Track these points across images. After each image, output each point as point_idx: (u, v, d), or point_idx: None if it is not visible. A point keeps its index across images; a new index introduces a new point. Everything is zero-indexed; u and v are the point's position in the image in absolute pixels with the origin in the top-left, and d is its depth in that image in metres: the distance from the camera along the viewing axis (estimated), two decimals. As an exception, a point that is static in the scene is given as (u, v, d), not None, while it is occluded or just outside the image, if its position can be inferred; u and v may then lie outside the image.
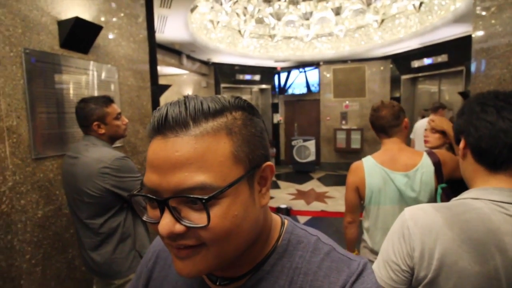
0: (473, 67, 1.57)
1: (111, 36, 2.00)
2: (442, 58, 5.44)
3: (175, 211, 0.33)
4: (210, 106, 0.35)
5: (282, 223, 0.45)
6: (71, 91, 1.70)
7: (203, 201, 0.31)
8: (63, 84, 1.65)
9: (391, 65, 6.76)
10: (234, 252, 0.36)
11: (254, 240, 0.40)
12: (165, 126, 0.34)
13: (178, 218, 0.33)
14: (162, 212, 0.33)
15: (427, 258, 0.63)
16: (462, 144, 0.72)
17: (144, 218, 0.37)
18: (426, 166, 1.31)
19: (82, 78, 1.78)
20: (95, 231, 1.28)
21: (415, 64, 6.05)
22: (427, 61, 5.80)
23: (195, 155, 0.32)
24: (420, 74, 6.20)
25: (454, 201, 0.70)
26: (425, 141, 1.81)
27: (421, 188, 1.29)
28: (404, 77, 6.46)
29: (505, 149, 0.63)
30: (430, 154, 1.34)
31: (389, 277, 0.69)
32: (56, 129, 1.60)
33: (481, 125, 0.66)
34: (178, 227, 0.33)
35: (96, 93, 1.86)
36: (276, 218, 0.46)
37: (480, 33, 1.54)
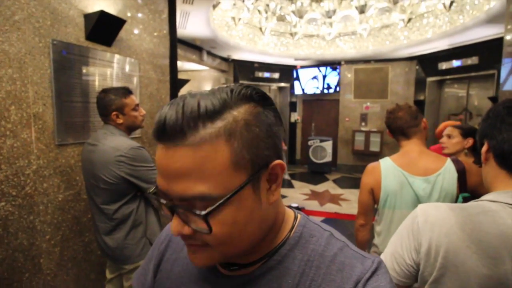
0: (503, 70, 1.47)
1: (134, 30, 2.06)
2: (472, 60, 5.14)
3: (183, 215, 0.35)
4: (208, 107, 0.33)
5: (295, 217, 0.45)
6: (95, 82, 1.78)
7: (202, 215, 0.32)
8: (87, 74, 1.72)
9: (416, 67, 6.48)
10: (239, 250, 0.37)
11: (263, 235, 0.40)
12: (163, 135, 0.33)
13: (185, 222, 0.35)
14: (172, 213, 0.36)
15: (433, 255, 0.62)
16: (485, 148, 0.70)
17: (163, 213, 0.39)
18: (449, 172, 1.24)
19: (105, 70, 1.85)
20: (109, 216, 1.34)
21: (443, 66, 5.76)
22: (456, 63, 5.50)
23: (194, 166, 0.32)
24: (447, 77, 5.90)
25: (472, 202, 0.68)
26: (443, 148, 1.73)
27: (441, 195, 1.23)
28: (430, 79, 6.17)
29: None
30: (455, 161, 1.27)
31: (393, 268, 0.69)
32: (79, 118, 1.68)
33: (505, 128, 0.65)
34: (186, 230, 0.35)
35: (117, 85, 1.93)
36: (289, 211, 0.46)
37: (514, 33, 1.44)
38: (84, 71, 1.71)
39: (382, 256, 0.73)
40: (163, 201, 0.35)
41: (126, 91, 1.42)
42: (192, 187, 0.32)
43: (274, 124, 0.37)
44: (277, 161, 0.37)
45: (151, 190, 0.38)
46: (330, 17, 5.43)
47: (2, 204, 1.31)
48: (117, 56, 1.92)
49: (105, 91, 1.40)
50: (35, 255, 1.46)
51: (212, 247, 0.36)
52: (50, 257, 1.53)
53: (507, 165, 0.65)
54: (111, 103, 1.37)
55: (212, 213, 0.32)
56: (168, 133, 0.32)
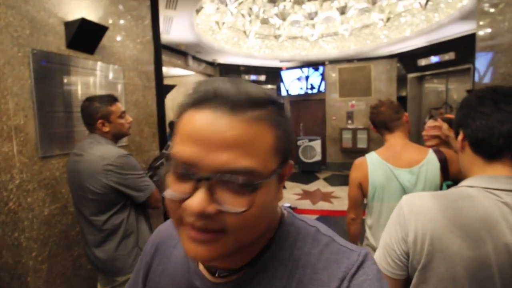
0: (477, 64, 1.55)
1: (117, 37, 2.03)
2: (449, 56, 5.36)
3: (215, 189, 0.32)
4: (258, 93, 0.34)
5: (282, 215, 0.45)
6: (78, 91, 1.73)
7: (254, 185, 0.32)
8: (69, 83, 1.68)
9: (397, 64, 6.69)
10: (250, 240, 0.36)
11: (265, 231, 0.39)
12: (217, 100, 0.32)
13: (213, 199, 0.32)
14: (195, 189, 0.32)
15: (420, 243, 0.64)
16: (460, 137, 0.74)
17: (166, 194, 0.34)
18: (431, 162, 1.29)
19: (88, 78, 1.81)
20: (98, 227, 1.30)
21: (422, 62, 5.97)
22: (434, 59, 5.71)
23: (246, 139, 0.32)
24: (427, 73, 6.11)
25: (452, 188, 0.71)
26: (425, 140, 1.80)
27: (426, 185, 1.27)
28: (410, 75, 6.38)
29: (500, 139, 0.65)
30: (437, 151, 1.32)
31: (387, 262, 0.71)
32: (62, 128, 1.63)
33: (478, 117, 0.68)
34: (211, 208, 0.31)
35: (101, 93, 1.88)
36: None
37: (484, 30, 1.51)
38: (66, 80, 1.66)
39: (377, 253, 0.75)
40: (191, 173, 0.32)
41: (111, 99, 1.39)
42: (241, 160, 0.31)
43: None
44: (291, 162, 0.39)
45: (166, 151, 0.35)
46: (312, 19, 5.52)
47: (-16, 221, 1.26)
48: (100, 64, 1.88)
49: (89, 99, 1.37)
50: (22, 274, 1.40)
51: (229, 234, 0.33)
52: (37, 274, 1.47)
53: (482, 152, 0.69)
54: (96, 111, 1.34)
55: (256, 189, 0.32)
56: (224, 100, 0.32)
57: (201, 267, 0.44)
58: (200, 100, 0.34)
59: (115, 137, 1.43)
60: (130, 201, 1.36)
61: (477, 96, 0.71)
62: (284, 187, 5.53)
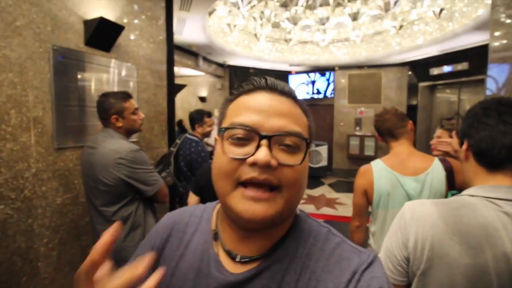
0: (489, 75, 1.54)
1: (132, 36, 2.10)
2: (463, 66, 5.29)
3: (271, 148, 0.40)
4: (294, 91, 0.46)
5: (296, 213, 0.49)
6: (93, 87, 1.80)
7: (308, 141, 0.42)
8: (86, 79, 1.75)
9: (408, 72, 6.63)
10: (295, 202, 0.43)
11: (295, 210, 0.47)
12: (273, 87, 0.44)
13: (272, 156, 0.39)
14: (258, 148, 0.39)
15: (420, 249, 0.66)
16: (464, 146, 0.75)
17: (229, 155, 0.41)
18: (437, 171, 1.29)
19: (104, 75, 1.88)
20: (108, 218, 1.35)
21: (434, 71, 5.91)
22: (446, 68, 5.65)
23: (295, 112, 0.44)
24: (439, 82, 6.04)
25: (453, 197, 0.72)
26: (432, 149, 1.80)
27: (431, 193, 1.27)
28: (422, 84, 6.32)
29: (503, 150, 0.66)
30: (442, 160, 1.32)
31: (387, 267, 0.72)
32: (77, 122, 1.69)
33: (482, 127, 0.69)
34: (274, 161, 0.39)
35: (115, 89, 1.95)
36: None
37: (499, 41, 1.51)
38: (83, 76, 1.73)
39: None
40: (256, 131, 0.40)
41: (125, 95, 1.45)
42: (293, 125, 0.42)
43: None
44: (310, 151, 0.47)
45: (231, 126, 0.42)
46: (323, 24, 5.54)
47: (1, 207, 1.32)
48: (115, 61, 1.95)
49: (105, 95, 1.43)
50: (33, 259, 1.46)
51: (282, 192, 0.40)
52: (47, 260, 1.53)
53: (484, 162, 0.69)
54: (111, 106, 1.40)
55: (307, 145, 0.42)
56: (278, 88, 0.44)
57: (221, 256, 0.46)
58: (254, 88, 0.45)
59: (128, 132, 1.48)
60: (139, 195, 1.41)
61: (482, 107, 0.72)
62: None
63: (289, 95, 0.45)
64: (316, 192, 5.96)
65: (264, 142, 0.39)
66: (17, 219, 1.38)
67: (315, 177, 7.17)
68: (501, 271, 0.59)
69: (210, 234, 0.49)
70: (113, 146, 1.34)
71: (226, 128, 0.42)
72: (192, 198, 1.79)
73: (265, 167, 0.38)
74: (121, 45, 2.00)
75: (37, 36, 1.46)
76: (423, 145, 5.72)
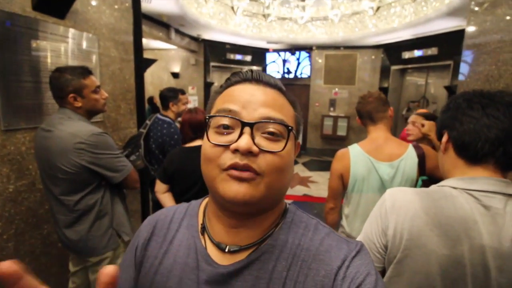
0: (462, 62, 1.58)
1: (92, 1, 1.85)
2: (432, 51, 5.49)
3: (253, 136, 0.41)
4: (279, 81, 0.48)
5: (286, 205, 0.51)
6: (47, 59, 1.58)
7: (289, 127, 0.43)
8: (37, 51, 1.52)
9: (382, 55, 6.76)
10: (278, 190, 0.43)
11: (280, 200, 0.47)
12: (259, 78, 0.46)
13: (254, 143, 0.40)
14: (240, 135, 0.40)
15: (399, 237, 0.66)
16: (445, 138, 0.74)
17: (213, 142, 0.42)
18: (410, 157, 1.33)
19: (59, 46, 1.65)
20: (70, 208, 1.24)
21: (406, 55, 6.08)
22: (417, 53, 5.83)
23: (279, 102, 0.45)
24: (409, 66, 6.25)
25: (435, 187, 0.72)
26: (407, 135, 1.85)
27: (403, 179, 1.32)
28: (394, 67, 6.50)
29: (486, 143, 0.65)
30: (416, 146, 1.36)
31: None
32: (29, 100, 1.49)
33: (466, 120, 0.68)
34: (255, 148, 0.40)
35: (74, 63, 1.74)
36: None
37: (472, 28, 1.53)
38: (33, 46, 1.50)
39: None
40: (239, 119, 0.41)
41: (85, 71, 1.28)
42: (276, 113, 0.43)
43: None
44: (299, 141, 0.49)
45: (218, 114, 0.43)
46: (303, 0, 5.37)
47: None
48: (72, 31, 1.72)
49: (59, 70, 1.25)
50: (-16, 252, 1.32)
51: (264, 177, 0.40)
52: (3, 253, 1.40)
53: (466, 155, 0.69)
54: (68, 84, 1.23)
55: (289, 132, 0.43)
56: (263, 80, 0.46)
57: (209, 249, 0.46)
58: (240, 80, 0.47)
59: (89, 113, 1.33)
60: (105, 182, 1.30)
61: (464, 99, 0.70)
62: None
63: (275, 86, 0.47)
64: (290, 171, 6.09)
65: (246, 129, 0.40)
66: (-40, 210, 1.22)
67: (290, 157, 7.29)
68: (476, 263, 0.61)
69: (196, 229, 0.49)
70: (71, 129, 1.20)
71: (211, 116, 0.44)
72: (160, 186, 1.70)
73: (247, 153, 0.39)
74: (79, 12, 1.76)
75: (-30, -5, 1.22)
76: (392, 127, 6.00)
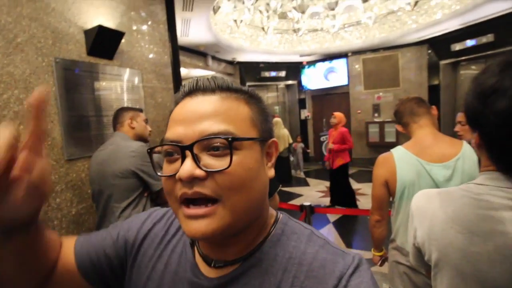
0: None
1: (134, 41, 2.09)
2: (488, 38, 4.88)
3: (196, 157, 0.36)
4: (232, 83, 0.42)
5: (277, 216, 0.47)
6: (99, 95, 1.81)
7: (229, 139, 0.35)
8: (91, 89, 1.76)
9: (428, 51, 6.24)
10: (246, 210, 0.38)
11: (257, 215, 0.42)
12: (195, 90, 0.40)
13: (199, 165, 0.35)
14: (183, 161, 0.36)
15: (427, 239, 0.65)
16: (476, 135, 0.66)
17: (159, 173, 0.39)
18: (468, 155, 1.17)
19: (109, 83, 1.89)
20: (115, 216, 1.38)
21: (456, 47, 5.50)
22: (470, 42, 5.24)
23: (220, 109, 0.38)
24: (462, 58, 5.63)
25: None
26: (459, 136, 1.65)
27: (464, 179, 1.14)
28: (443, 62, 5.92)
29: None
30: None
31: (414, 259, 0.73)
32: (86, 132, 1.71)
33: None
34: (199, 171, 0.35)
35: (121, 95, 1.96)
36: (272, 210, 0.48)
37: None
38: (88, 85, 1.74)
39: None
40: (177, 144, 0.37)
41: (139, 109, 1.62)
42: (218, 125, 0.36)
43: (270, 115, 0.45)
44: (274, 139, 0.43)
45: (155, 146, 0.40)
46: (333, 9, 5.32)
47: (18, 221, 1.35)
48: (118, 68, 1.95)
49: (123, 107, 1.60)
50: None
51: (224, 202, 0.36)
52: (68, 270, 1.57)
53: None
54: (128, 111, 1.53)
55: (234, 143, 0.36)
56: (201, 89, 0.40)
57: (197, 259, 0.45)
58: (181, 97, 0.41)
59: (137, 138, 1.54)
60: (148, 193, 1.45)
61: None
62: (308, 184, 5.36)
63: (216, 89, 0.40)
64: (337, 183, 5.79)
65: (187, 153, 0.36)
66: (34, 232, 1.41)
67: (335, 169, 6.98)
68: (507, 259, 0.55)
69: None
70: (125, 143, 1.43)
71: (151, 149, 0.41)
72: None
73: (191, 180, 0.35)
74: (124, 52, 2.00)
75: (39, 51, 1.47)
76: (448, 129, 5.38)
